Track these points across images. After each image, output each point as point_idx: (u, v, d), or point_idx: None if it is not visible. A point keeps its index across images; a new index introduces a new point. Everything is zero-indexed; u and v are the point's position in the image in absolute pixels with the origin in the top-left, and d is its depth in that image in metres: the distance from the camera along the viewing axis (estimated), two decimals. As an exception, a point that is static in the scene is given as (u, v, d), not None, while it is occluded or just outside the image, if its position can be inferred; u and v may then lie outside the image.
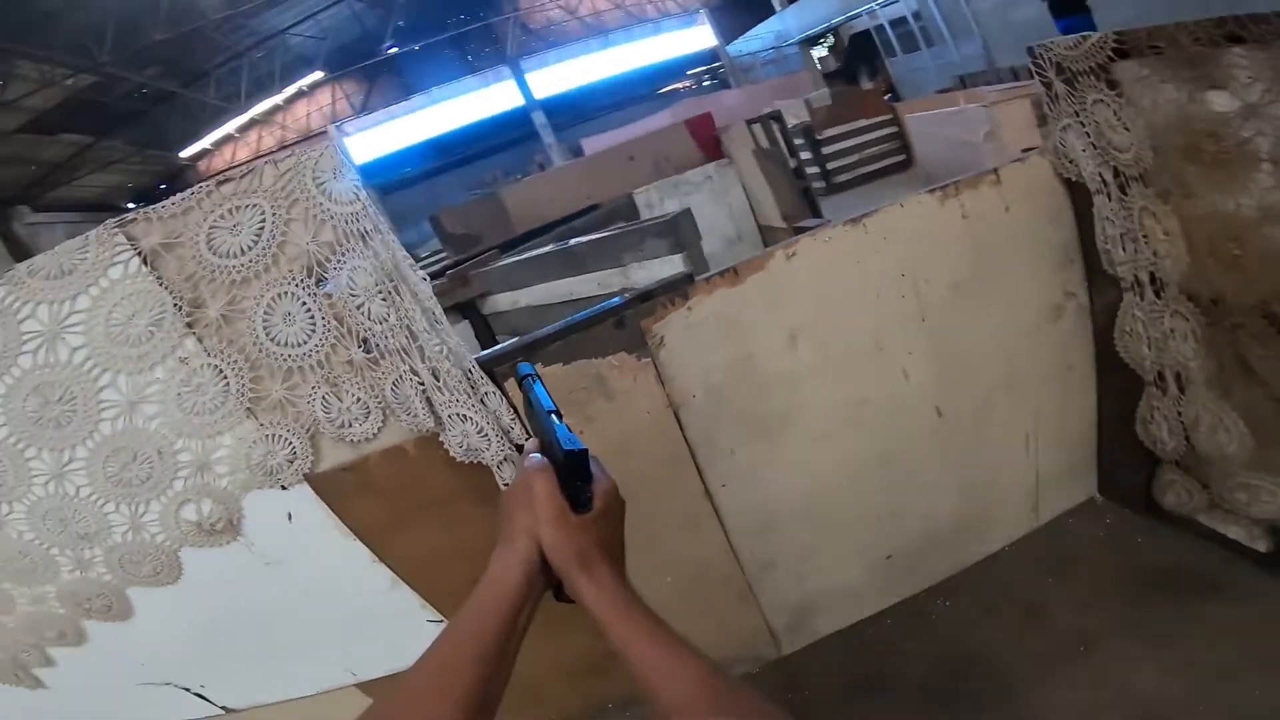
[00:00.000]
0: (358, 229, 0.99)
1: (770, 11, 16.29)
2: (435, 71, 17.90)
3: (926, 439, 1.55)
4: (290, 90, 17.75)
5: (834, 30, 15.64)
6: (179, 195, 0.94)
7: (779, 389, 1.40)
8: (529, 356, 1.19)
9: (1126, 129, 1.14)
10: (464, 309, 3.76)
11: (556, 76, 18.33)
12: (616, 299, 1.27)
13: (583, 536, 0.56)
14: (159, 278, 0.97)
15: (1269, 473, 1.27)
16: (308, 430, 1.11)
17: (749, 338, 1.34)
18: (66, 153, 14.03)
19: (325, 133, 18.02)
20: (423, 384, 1.07)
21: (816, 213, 5.19)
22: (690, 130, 6.60)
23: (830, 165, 8.02)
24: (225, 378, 1.04)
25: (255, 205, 0.95)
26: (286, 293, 1.00)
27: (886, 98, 9.42)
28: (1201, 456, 1.36)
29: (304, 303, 1.01)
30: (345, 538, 1.23)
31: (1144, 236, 1.22)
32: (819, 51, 17.14)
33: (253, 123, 18.57)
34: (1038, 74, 1.25)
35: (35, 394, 1.01)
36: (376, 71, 18.39)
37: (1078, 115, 1.22)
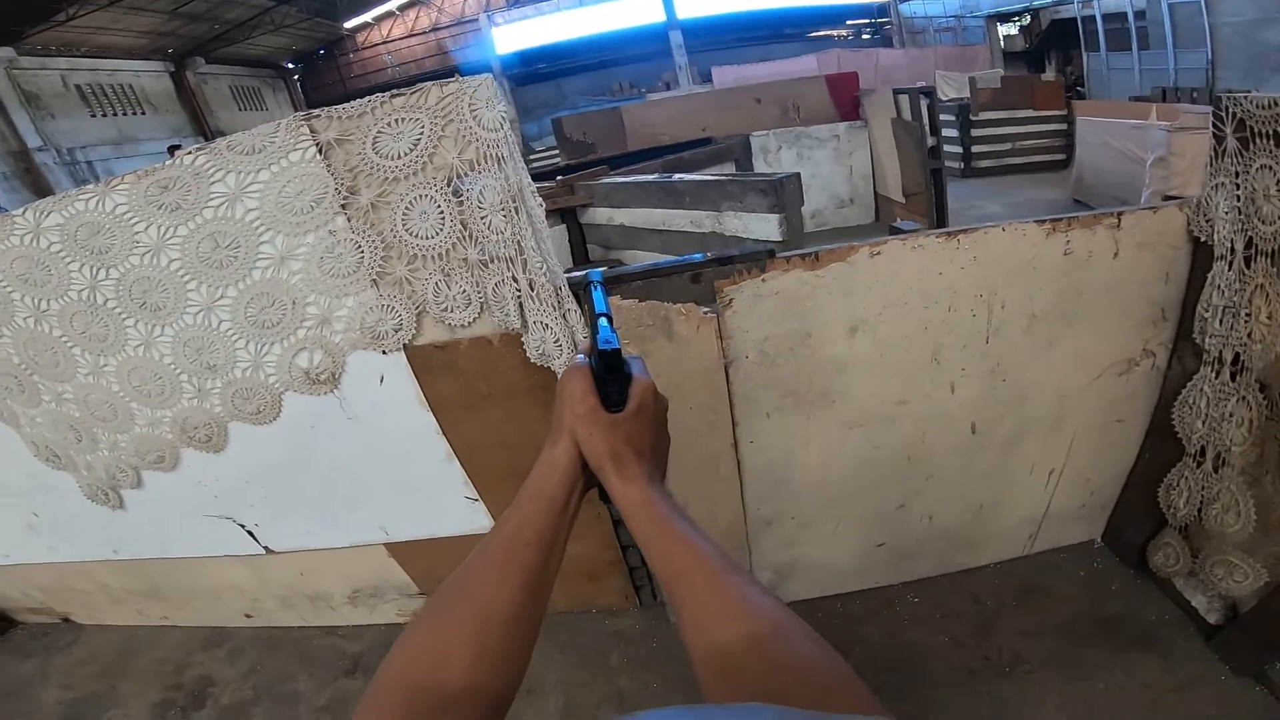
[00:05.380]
0: (496, 153, 1.16)
1: (962, -24, 15.27)
2: (588, -28, 17.92)
3: (954, 450, 1.61)
4: (452, -27, 18.34)
5: (1032, 10, 14.77)
6: (358, 101, 1.13)
7: (826, 371, 1.46)
8: (616, 287, 1.36)
9: None
10: (564, 214, 3.99)
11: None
12: (699, 255, 1.39)
13: (613, 433, 0.54)
14: (328, 165, 1.16)
15: (1253, 556, 1.37)
16: (417, 307, 1.31)
17: (812, 319, 1.39)
18: (248, 14, 15.14)
19: (476, 20, 18.81)
20: (519, 291, 1.26)
21: (941, 196, 5.05)
22: (830, 86, 6.50)
23: (976, 149, 7.81)
24: (362, 252, 1.25)
25: (417, 119, 1.13)
26: (426, 195, 1.19)
27: (1069, 92, 8.73)
28: (1204, 529, 1.46)
29: (439, 205, 1.19)
30: (421, 407, 1.45)
31: (1247, 315, 1.22)
32: (1008, 29, 16.28)
33: (413, 2, 19.29)
34: (1214, 124, 1.21)
35: (209, 239, 1.23)
36: (533, -36, 18.66)
37: (1237, 176, 1.18)
